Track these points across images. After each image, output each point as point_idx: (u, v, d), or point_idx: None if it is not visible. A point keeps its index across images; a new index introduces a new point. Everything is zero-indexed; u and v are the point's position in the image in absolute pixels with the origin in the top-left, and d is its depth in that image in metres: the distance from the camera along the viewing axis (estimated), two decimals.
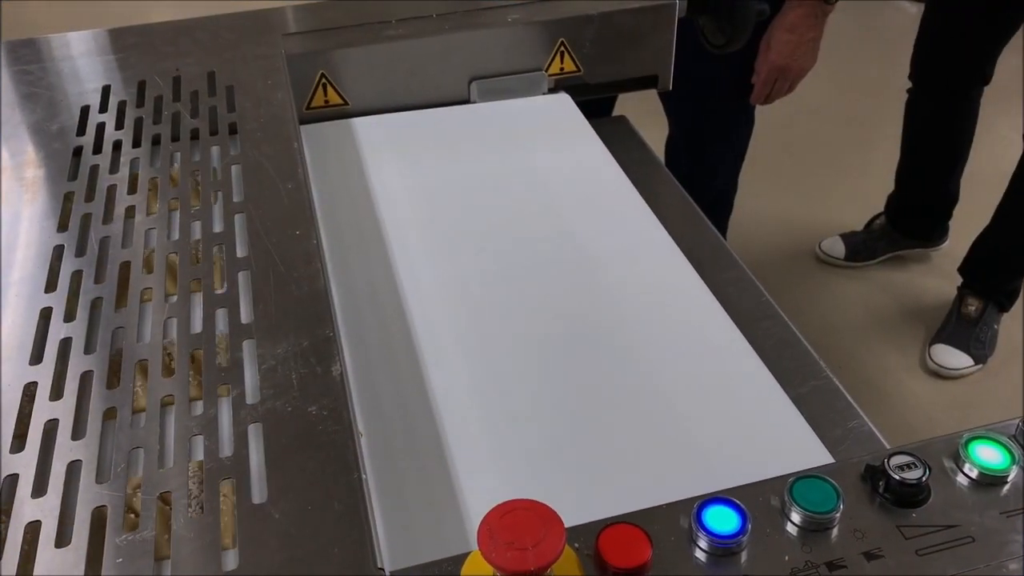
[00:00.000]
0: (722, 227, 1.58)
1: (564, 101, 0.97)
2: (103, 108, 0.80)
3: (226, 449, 0.48)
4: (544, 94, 0.98)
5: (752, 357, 0.65)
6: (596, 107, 1.02)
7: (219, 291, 0.59)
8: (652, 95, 1.18)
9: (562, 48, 0.97)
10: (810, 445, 0.58)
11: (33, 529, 0.44)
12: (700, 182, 1.44)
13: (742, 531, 0.41)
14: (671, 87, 1.02)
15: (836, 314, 1.81)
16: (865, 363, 1.68)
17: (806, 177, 2.22)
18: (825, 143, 2.20)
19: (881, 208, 1.99)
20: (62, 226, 0.65)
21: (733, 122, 1.49)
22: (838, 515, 0.42)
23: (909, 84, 1.80)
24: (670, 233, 0.78)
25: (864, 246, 1.97)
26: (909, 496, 0.43)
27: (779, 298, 0.78)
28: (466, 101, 0.97)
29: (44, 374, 0.53)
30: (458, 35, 0.94)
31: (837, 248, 1.97)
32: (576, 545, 0.41)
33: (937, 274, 1.92)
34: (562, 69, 0.98)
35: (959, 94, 1.73)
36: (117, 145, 0.75)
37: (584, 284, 0.72)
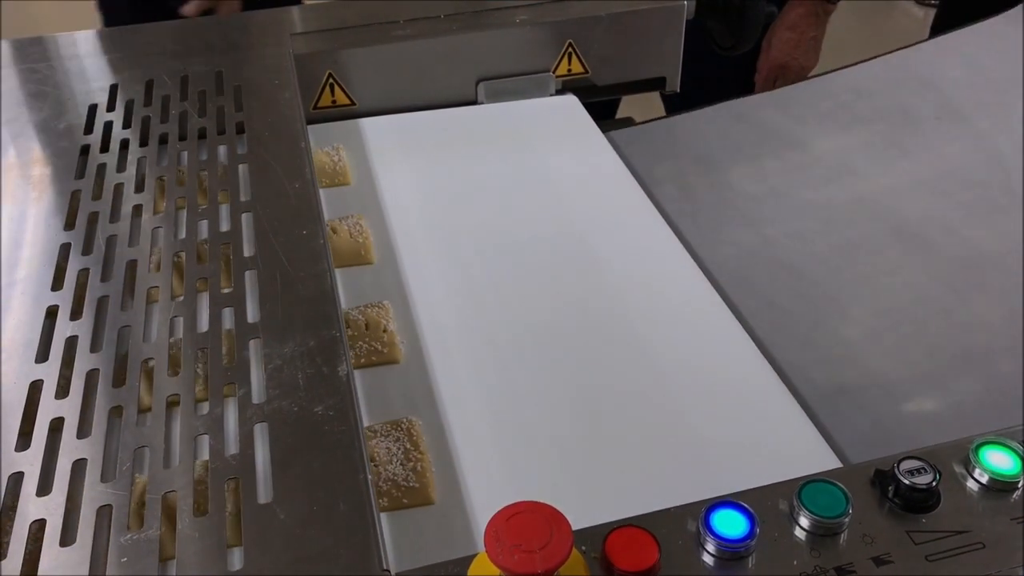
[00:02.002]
0: None
1: (571, 103, 0.97)
2: (111, 107, 0.80)
3: (232, 449, 0.48)
4: (551, 95, 0.98)
5: (760, 359, 0.65)
6: (601, 109, 1.02)
7: (226, 290, 0.58)
8: (655, 96, 1.18)
9: (570, 49, 0.96)
10: (818, 449, 0.57)
11: (38, 527, 0.44)
12: None
13: (750, 535, 0.41)
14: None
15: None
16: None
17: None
18: None
19: None
20: (69, 224, 0.65)
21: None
22: (847, 520, 0.42)
23: None
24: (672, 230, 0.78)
25: None
26: (919, 501, 0.43)
27: None
28: (473, 102, 0.97)
29: (50, 372, 0.53)
30: (466, 36, 0.94)
31: None
32: (583, 548, 0.41)
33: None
34: (569, 70, 0.98)
35: None
36: (124, 144, 0.75)
37: (591, 285, 0.71)
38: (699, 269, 0.74)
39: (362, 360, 0.63)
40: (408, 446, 0.56)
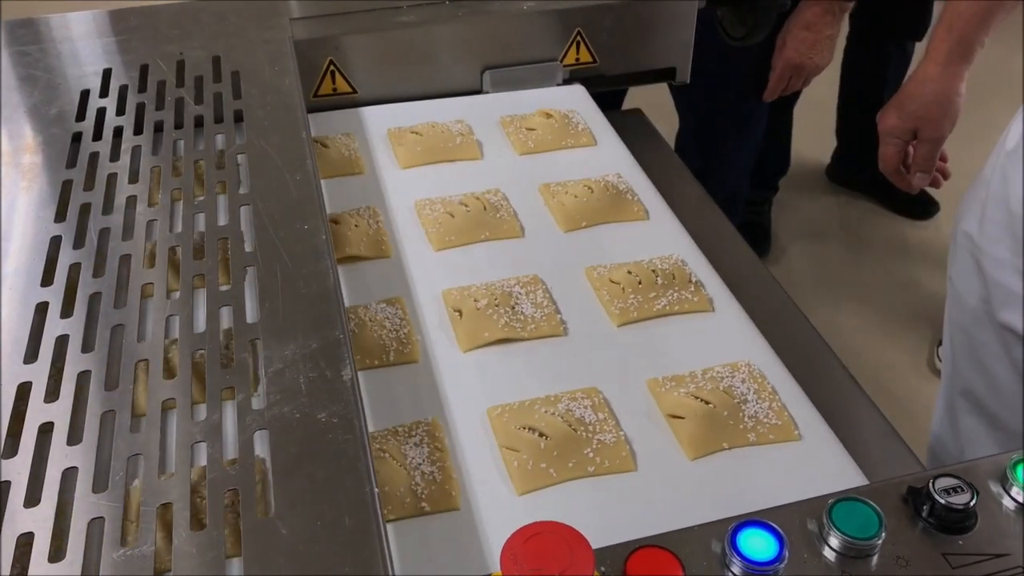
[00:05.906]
0: (734, 222, 1.55)
1: (579, 92, 0.94)
2: (104, 92, 0.77)
3: (230, 457, 0.45)
4: (559, 85, 0.95)
5: (780, 368, 0.62)
6: (608, 99, 0.99)
7: (224, 287, 0.56)
8: (661, 90, 1.16)
9: (578, 38, 0.94)
10: (842, 463, 0.55)
11: (25, 542, 0.41)
12: (713, 178, 1.41)
13: (779, 558, 0.39)
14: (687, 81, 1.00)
15: (843, 313, 1.79)
16: (872, 362, 1.66)
17: (817, 174, 2.19)
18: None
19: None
20: (60, 216, 0.63)
21: (746, 118, 1.46)
22: (880, 541, 0.40)
23: None
24: (685, 226, 0.76)
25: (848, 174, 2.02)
26: (956, 522, 0.41)
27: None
28: (479, 91, 0.94)
29: (39, 373, 0.50)
30: (471, 22, 0.91)
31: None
32: (602, 569, 0.39)
33: (945, 274, 1.90)
34: (578, 59, 0.95)
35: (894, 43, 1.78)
36: (118, 131, 0.72)
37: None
38: (711, 266, 0.71)
39: (675, 308, 0.66)
40: (756, 386, 0.59)
